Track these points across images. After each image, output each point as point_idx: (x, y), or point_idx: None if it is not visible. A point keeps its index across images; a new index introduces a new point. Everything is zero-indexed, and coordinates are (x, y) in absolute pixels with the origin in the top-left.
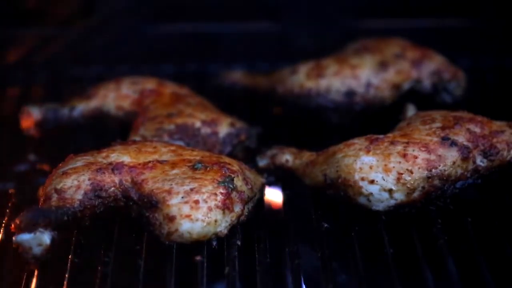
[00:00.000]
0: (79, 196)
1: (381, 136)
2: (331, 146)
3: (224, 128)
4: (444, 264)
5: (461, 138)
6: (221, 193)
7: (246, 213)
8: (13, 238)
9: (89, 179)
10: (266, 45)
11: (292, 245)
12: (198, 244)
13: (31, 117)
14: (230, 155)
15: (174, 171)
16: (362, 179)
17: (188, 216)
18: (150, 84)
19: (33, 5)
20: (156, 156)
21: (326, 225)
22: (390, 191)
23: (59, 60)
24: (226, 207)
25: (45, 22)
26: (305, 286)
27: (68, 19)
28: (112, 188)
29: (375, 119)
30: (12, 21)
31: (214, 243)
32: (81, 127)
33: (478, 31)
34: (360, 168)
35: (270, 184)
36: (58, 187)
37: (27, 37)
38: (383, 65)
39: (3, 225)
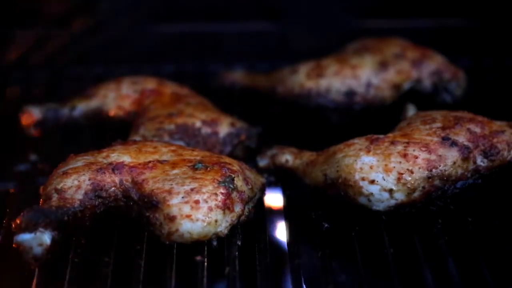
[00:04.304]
0: (79, 196)
1: (381, 136)
2: (331, 146)
3: (224, 128)
4: (444, 264)
5: (462, 138)
6: (222, 193)
7: (246, 213)
8: (14, 238)
9: (89, 179)
10: (266, 45)
11: (292, 245)
12: (199, 244)
13: (31, 117)
14: (231, 155)
15: (175, 171)
16: (363, 179)
17: (188, 216)
18: (150, 84)
19: (31, 4)
20: (156, 156)
21: (326, 225)
22: (390, 191)
23: (59, 60)
24: (226, 207)
25: (44, 21)
26: (305, 286)
27: (67, 18)
28: (113, 188)
29: (375, 119)
30: (12, 20)
31: (215, 243)
32: (81, 127)
33: (478, 31)
34: (361, 168)
35: (270, 184)
36: (59, 187)
37: (26, 37)
38: (383, 65)
39: (3, 225)
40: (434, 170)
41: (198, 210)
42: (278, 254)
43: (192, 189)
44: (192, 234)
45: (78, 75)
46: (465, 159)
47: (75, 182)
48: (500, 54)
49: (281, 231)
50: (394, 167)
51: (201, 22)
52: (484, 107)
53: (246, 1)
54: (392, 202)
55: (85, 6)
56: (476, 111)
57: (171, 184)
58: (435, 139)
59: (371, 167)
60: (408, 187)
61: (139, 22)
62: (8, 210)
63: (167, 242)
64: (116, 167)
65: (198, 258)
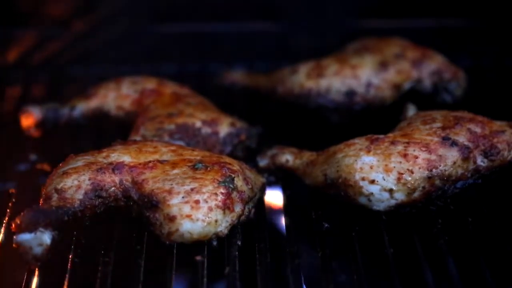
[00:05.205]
0: (79, 196)
1: (381, 136)
2: (331, 146)
3: (224, 128)
4: (444, 264)
5: (462, 138)
6: (222, 193)
7: (246, 213)
8: (14, 238)
9: (89, 179)
10: (266, 45)
11: (292, 245)
12: (199, 244)
13: (31, 117)
14: (231, 155)
15: (175, 171)
16: (363, 179)
17: (188, 216)
18: (150, 84)
19: (31, 4)
20: (156, 156)
21: (326, 225)
22: (390, 191)
23: (59, 60)
24: (226, 207)
25: (44, 21)
26: (305, 286)
27: (67, 18)
28: (113, 188)
29: (375, 119)
30: (12, 20)
31: (215, 243)
32: (81, 127)
33: (478, 31)
34: (361, 168)
35: (271, 184)
36: (59, 187)
37: (27, 37)
38: (383, 65)
39: (3, 225)
40: (434, 170)
41: (198, 210)
42: (278, 254)
43: (192, 189)
44: (192, 234)
45: (78, 75)
46: (465, 159)
47: (75, 182)
48: (500, 54)
49: (281, 231)
50: (394, 167)
51: (201, 22)
52: (484, 107)
53: (246, 1)
54: (392, 202)
55: (85, 6)
56: (476, 111)
57: (171, 184)
58: (435, 139)
59: (371, 167)
60: (408, 187)
61: (139, 22)
62: (8, 210)
63: (167, 242)
64: (116, 167)
65: (198, 258)
